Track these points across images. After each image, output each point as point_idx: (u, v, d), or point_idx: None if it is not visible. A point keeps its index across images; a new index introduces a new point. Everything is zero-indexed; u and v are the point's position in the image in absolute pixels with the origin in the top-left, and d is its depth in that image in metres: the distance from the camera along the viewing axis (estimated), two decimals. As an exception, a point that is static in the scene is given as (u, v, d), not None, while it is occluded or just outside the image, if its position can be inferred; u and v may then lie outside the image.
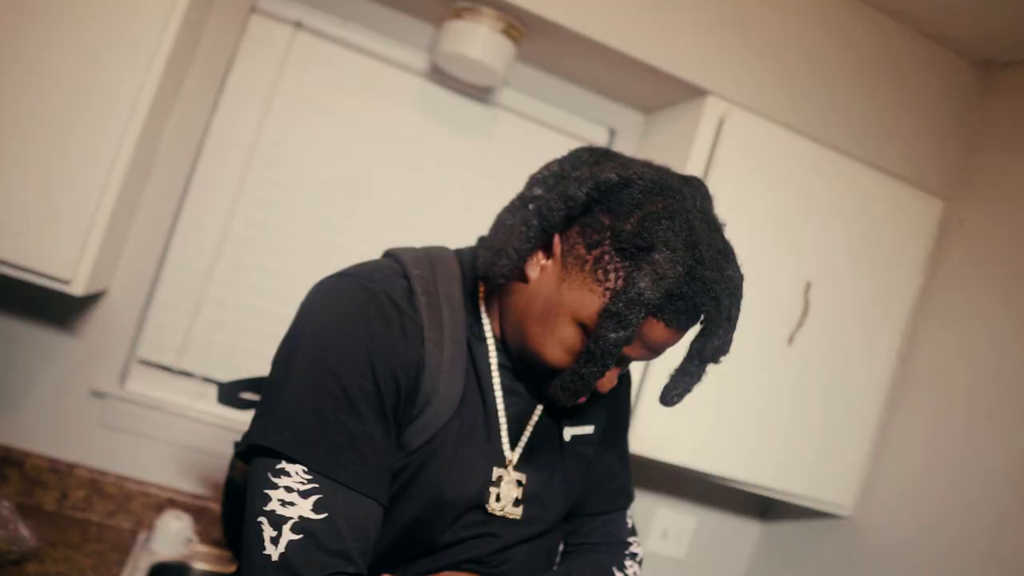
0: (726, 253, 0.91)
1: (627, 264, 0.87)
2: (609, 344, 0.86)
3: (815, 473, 1.93)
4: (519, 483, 1.03)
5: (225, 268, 1.88)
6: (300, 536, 0.78)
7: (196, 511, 1.83)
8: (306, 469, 0.81)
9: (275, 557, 0.77)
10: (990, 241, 1.91)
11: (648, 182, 0.89)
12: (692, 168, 1.82)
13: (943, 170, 2.04)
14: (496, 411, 1.01)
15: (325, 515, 0.79)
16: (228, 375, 1.83)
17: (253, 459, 0.85)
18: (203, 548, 1.79)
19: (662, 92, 1.94)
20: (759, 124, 1.85)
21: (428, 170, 2.01)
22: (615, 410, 1.19)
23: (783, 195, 1.87)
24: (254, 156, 1.88)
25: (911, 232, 1.99)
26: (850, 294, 1.93)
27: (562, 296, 0.91)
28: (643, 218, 0.86)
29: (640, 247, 0.86)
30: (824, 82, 1.92)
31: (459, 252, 1.07)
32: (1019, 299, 1.79)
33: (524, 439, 1.05)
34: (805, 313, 1.87)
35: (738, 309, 0.93)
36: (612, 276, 0.87)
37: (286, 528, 0.78)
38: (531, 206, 0.94)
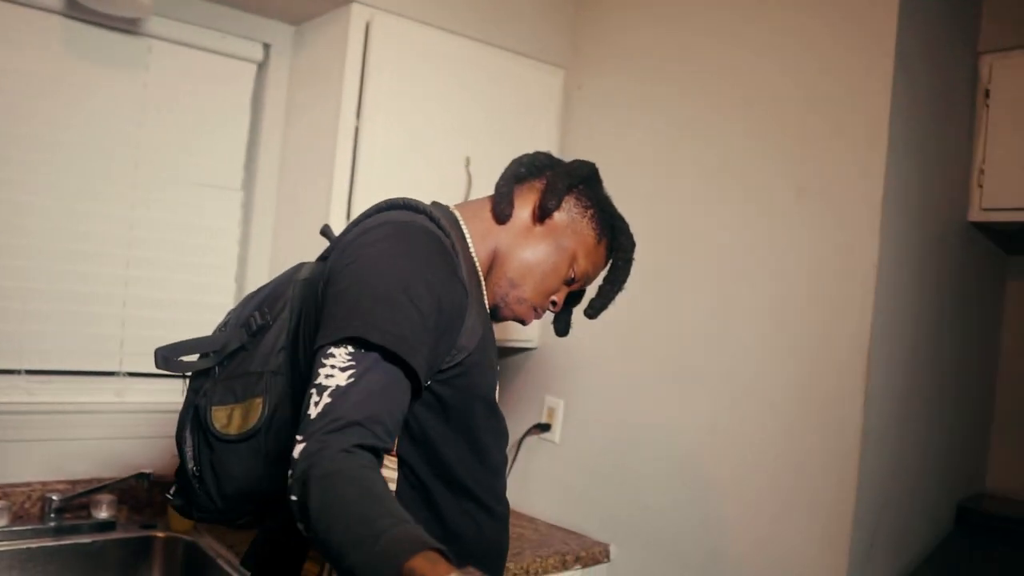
0: None
1: (610, 220, 1.35)
2: (627, 268, 1.36)
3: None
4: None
5: None
6: (331, 399, 0.92)
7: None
8: (353, 349, 0.97)
9: (313, 416, 0.91)
10: (604, 100, 2.33)
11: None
12: (349, 71, 2.01)
13: (560, 43, 2.41)
14: (493, 336, 1.27)
15: (353, 380, 0.94)
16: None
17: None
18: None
19: (308, 2, 2.08)
20: (402, 24, 2.07)
21: (91, 108, 2.01)
22: None
23: (433, 85, 2.13)
24: None
25: (542, 101, 2.37)
26: (502, 163, 2.26)
27: (567, 242, 1.29)
28: (605, 198, 1.37)
29: (613, 214, 1.36)
30: (450, -21, 2.17)
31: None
32: (632, 146, 2.23)
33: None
34: (470, 184, 2.18)
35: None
36: (603, 227, 1.33)
37: (325, 395, 0.92)
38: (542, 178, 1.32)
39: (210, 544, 1.95)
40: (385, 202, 1.18)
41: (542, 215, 1.26)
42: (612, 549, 2.18)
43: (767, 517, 1.88)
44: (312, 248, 2.06)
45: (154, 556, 1.99)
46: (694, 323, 2.05)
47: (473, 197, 2.18)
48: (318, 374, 0.94)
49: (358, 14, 2.01)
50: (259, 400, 1.10)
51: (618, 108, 2.29)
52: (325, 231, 1.29)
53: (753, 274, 1.93)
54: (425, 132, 2.12)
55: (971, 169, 2.10)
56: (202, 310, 2.24)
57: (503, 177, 1.29)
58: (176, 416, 1.25)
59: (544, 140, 2.38)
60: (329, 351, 0.95)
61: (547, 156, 1.35)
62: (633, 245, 1.36)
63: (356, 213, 2.02)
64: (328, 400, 0.91)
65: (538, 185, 1.30)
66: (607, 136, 2.31)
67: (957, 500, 2.23)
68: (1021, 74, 2.01)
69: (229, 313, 1.27)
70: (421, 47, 2.11)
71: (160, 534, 2.00)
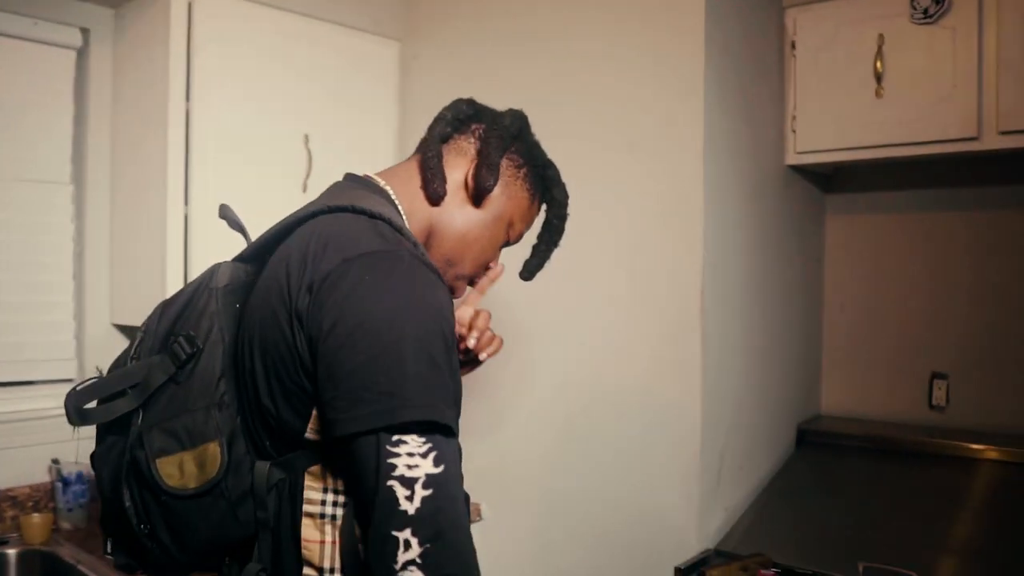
0: None
1: (542, 173, 1.24)
2: (562, 225, 1.27)
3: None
4: None
5: None
6: (430, 490, 0.83)
7: None
8: (419, 435, 0.85)
9: (412, 512, 0.82)
10: (441, 68, 2.36)
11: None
12: (174, 53, 1.95)
13: (393, 15, 2.41)
14: None
15: (443, 466, 0.85)
16: None
17: (356, 440, 0.86)
18: None
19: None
20: (226, 2, 2.02)
21: None
22: None
23: (265, 63, 2.10)
24: None
25: (379, 73, 2.37)
26: (343, 139, 2.27)
27: (502, 208, 1.18)
28: (535, 149, 1.24)
29: (545, 165, 1.24)
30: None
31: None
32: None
33: None
34: (310, 161, 2.17)
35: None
36: (536, 184, 1.22)
37: (417, 486, 0.83)
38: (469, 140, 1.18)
39: (70, 553, 1.89)
40: (327, 205, 1.01)
41: (478, 197, 1.14)
42: (483, 508, 2.24)
43: (626, 456, 1.99)
44: (153, 238, 2.02)
45: (8, 572, 1.91)
46: (546, 278, 2.12)
47: (315, 175, 2.17)
48: (391, 465, 0.84)
49: (178, -7, 1.96)
50: (213, 445, 0.96)
51: (455, 76, 2.32)
52: (227, 215, 1.16)
53: (596, 229, 2.01)
54: (260, 112, 2.09)
55: (784, 116, 2.25)
56: (40, 310, 2.14)
57: (429, 144, 1.14)
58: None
59: (383, 112, 2.39)
60: (395, 438, 0.84)
61: (470, 105, 1.20)
62: (566, 197, 1.26)
63: (194, 200, 1.98)
64: (426, 492, 0.84)
65: (465, 145, 1.16)
66: (444, 103, 2.33)
67: (797, 423, 2.42)
68: (822, 25, 2.17)
69: (140, 332, 1.08)
70: (249, 25, 2.07)
71: (13, 549, 1.92)
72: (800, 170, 2.35)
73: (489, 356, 1.30)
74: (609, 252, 2.02)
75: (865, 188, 2.50)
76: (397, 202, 1.11)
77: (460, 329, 1.27)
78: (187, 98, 1.97)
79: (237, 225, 1.16)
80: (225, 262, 1.08)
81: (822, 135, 2.19)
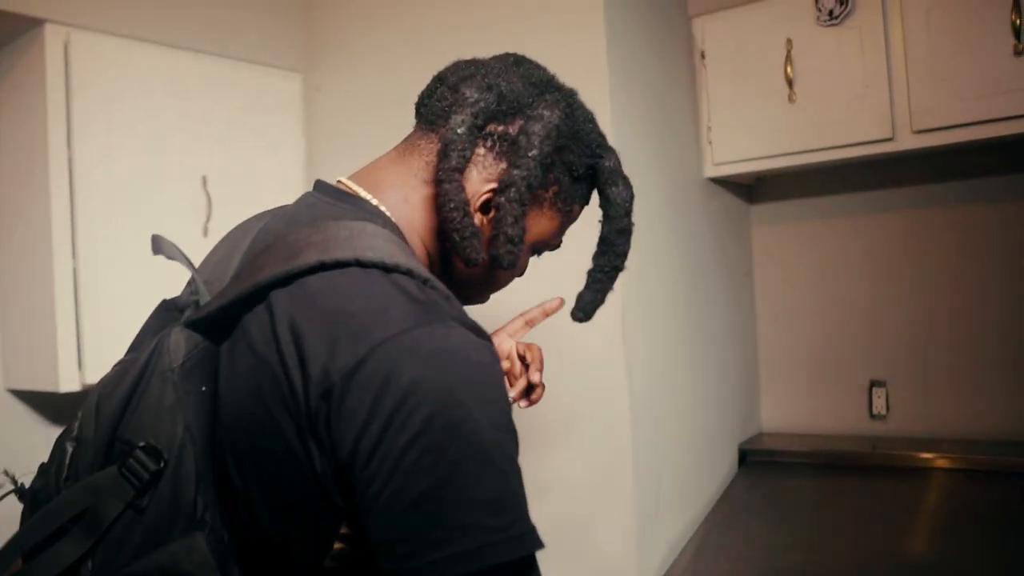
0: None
1: (591, 171, 0.96)
2: (624, 243, 0.99)
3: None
4: None
5: None
6: None
7: None
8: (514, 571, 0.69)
9: None
10: (345, 99, 2.27)
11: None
12: (53, 97, 1.83)
13: (293, 47, 2.32)
14: None
15: None
16: None
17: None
18: None
19: (-4, 27, 1.89)
20: (107, 42, 1.91)
21: None
22: None
23: (155, 104, 1.99)
24: None
25: (282, 107, 2.28)
26: (246, 177, 2.16)
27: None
28: (583, 133, 0.93)
29: (596, 154, 0.95)
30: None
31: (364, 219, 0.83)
32: (377, 140, 2.17)
33: None
34: (210, 204, 2.06)
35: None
36: (576, 193, 0.95)
37: None
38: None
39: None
40: (321, 259, 0.73)
41: (492, 262, 0.87)
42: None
43: (553, 496, 1.89)
44: (41, 295, 1.89)
45: None
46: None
47: (216, 218, 2.06)
48: None
49: (53, 35, 1.84)
50: None
51: (360, 105, 2.24)
52: (161, 247, 0.86)
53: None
54: (152, 155, 1.97)
55: (700, 128, 2.19)
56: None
57: (446, 172, 0.82)
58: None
59: (289, 146, 2.29)
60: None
61: (493, 88, 0.85)
62: (629, 198, 0.95)
63: (82, 253, 1.86)
64: None
65: (488, 161, 0.86)
66: (352, 134, 2.25)
67: (739, 443, 2.34)
68: (730, 33, 2.13)
69: (69, 442, 0.80)
70: (135, 64, 1.96)
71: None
72: (721, 182, 2.29)
73: (530, 404, 1.08)
74: (516, 282, 1.93)
75: (789, 196, 2.45)
76: (394, 219, 0.86)
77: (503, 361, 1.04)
78: (68, 145, 1.85)
79: (180, 257, 0.86)
80: (175, 329, 0.78)
81: (739, 145, 2.14)
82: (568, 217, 0.96)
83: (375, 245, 0.75)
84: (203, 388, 0.76)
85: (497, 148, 0.86)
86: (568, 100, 0.89)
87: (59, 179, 1.84)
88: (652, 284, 1.92)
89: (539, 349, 1.11)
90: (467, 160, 0.83)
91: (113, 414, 0.76)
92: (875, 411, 2.31)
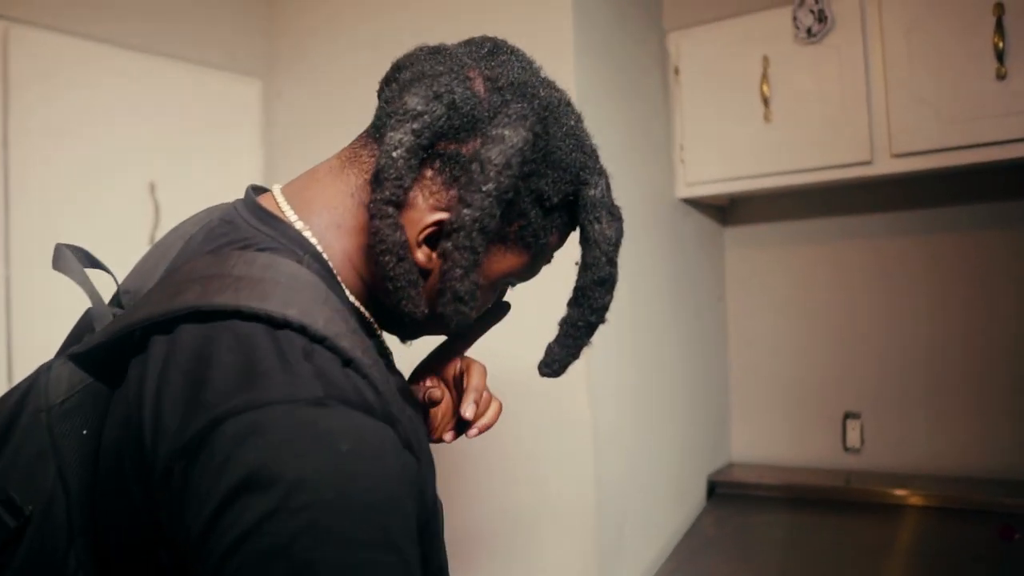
0: None
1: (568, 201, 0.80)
2: (604, 297, 0.83)
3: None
4: None
5: None
6: None
7: None
8: None
9: None
10: (306, 106, 2.18)
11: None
12: (-11, 96, 1.73)
13: (252, 51, 2.23)
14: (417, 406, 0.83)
15: None
16: None
17: None
18: None
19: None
20: (50, 38, 1.81)
21: None
22: None
23: (101, 106, 1.88)
24: None
25: (240, 113, 2.18)
26: (199, 185, 2.05)
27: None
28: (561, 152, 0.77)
29: (578, 180, 0.79)
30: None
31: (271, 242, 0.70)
32: (340, 146, 2.08)
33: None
34: (157, 212, 1.95)
35: None
36: (547, 229, 0.78)
37: None
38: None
39: None
40: (197, 305, 0.61)
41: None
42: None
43: (512, 528, 1.79)
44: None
45: None
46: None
47: (164, 226, 1.95)
48: None
49: (-9, 29, 1.74)
50: None
51: (322, 113, 2.14)
52: (64, 263, 0.75)
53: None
54: (96, 159, 1.87)
55: (672, 146, 2.12)
56: None
57: (379, 204, 0.66)
58: None
59: (246, 155, 2.19)
60: None
61: (448, 103, 0.69)
62: (614, 238, 0.77)
63: (15, 260, 1.75)
64: None
65: (435, 187, 0.70)
66: (314, 142, 2.13)
67: (707, 474, 2.25)
68: (705, 49, 2.06)
69: None
70: (79, 64, 1.85)
71: None
72: (693, 203, 2.21)
73: (483, 430, 0.88)
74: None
75: (764, 219, 2.38)
76: (321, 248, 0.72)
77: (434, 391, 0.89)
78: (4, 144, 1.75)
79: (79, 278, 0.74)
80: (58, 361, 0.68)
81: (712, 165, 2.07)
82: (542, 251, 0.78)
83: (270, 292, 0.62)
84: (84, 431, 0.65)
85: (448, 171, 0.69)
86: (543, 111, 0.71)
87: (-8, 183, 1.73)
88: (617, 308, 1.83)
89: (482, 369, 0.89)
90: (405, 190, 0.66)
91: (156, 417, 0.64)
92: (849, 444, 2.23)
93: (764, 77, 1.96)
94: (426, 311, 0.69)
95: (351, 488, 0.53)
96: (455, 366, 0.91)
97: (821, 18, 1.88)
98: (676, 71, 2.10)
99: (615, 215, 0.77)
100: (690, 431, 2.18)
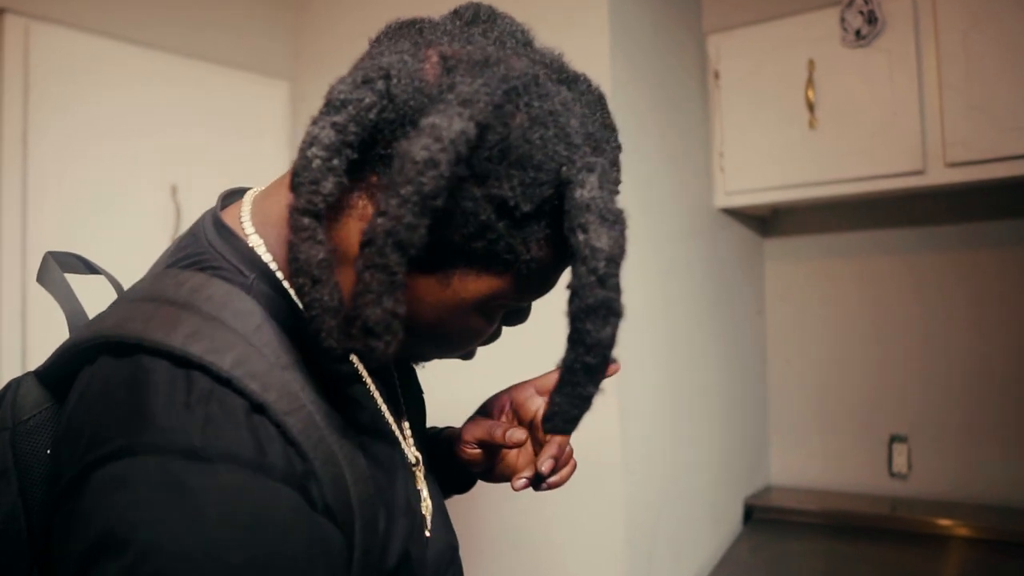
0: None
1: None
2: (604, 339, 0.63)
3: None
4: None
5: None
6: None
7: None
8: None
9: None
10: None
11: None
12: (10, 91, 1.70)
13: (280, 53, 2.18)
14: (381, 414, 0.70)
15: None
16: None
17: None
18: None
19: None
20: (75, 37, 1.78)
21: None
22: None
23: (124, 106, 1.84)
24: None
25: (265, 116, 2.13)
26: (220, 187, 2.00)
27: (448, 298, 0.66)
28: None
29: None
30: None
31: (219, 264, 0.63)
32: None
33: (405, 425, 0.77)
34: (179, 215, 1.91)
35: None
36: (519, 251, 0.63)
37: None
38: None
39: None
40: (118, 334, 0.56)
41: None
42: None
43: (535, 554, 1.70)
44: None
45: None
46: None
47: (184, 228, 1.90)
48: None
49: (13, 25, 1.71)
50: None
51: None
52: (49, 276, 0.72)
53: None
54: (117, 160, 1.83)
55: (711, 154, 2.03)
56: None
57: (298, 215, 0.55)
58: None
59: (271, 158, 2.14)
60: None
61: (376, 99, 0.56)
62: (601, 263, 0.55)
63: (31, 264, 1.71)
64: None
65: (360, 202, 0.59)
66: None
67: (744, 497, 2.14)
68: (747, 52, 1.97)
69: None
70: (102, 63, 1.82)
71: None
72: (733, 213, 2.12)
73: (552, 487, 0.79)
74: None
75: (807, 231, 2.28)
76: (276, 266, 0.63)
77: (516, 433, 0.79)
78: (23, 142, 1.71)
79: (59, 292, 0.71)
80: (27, 376, 0.65)
81: (754, 173, 1.97)
82: (531, 269, 0.61)
83: (181, 323, 0.55)
84: (48, 451, 0.61)
85: (386, 176, 0.56)
86: (506, 94, 0.55)
87: (11, 182, 1.69)
88: (651, 322, 1.74)
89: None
90: (325, 197, 0.54)
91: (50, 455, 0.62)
92: (895, 469, 2.11)
93: (809, 81, 1.86)
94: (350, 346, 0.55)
95: (212, 558, 0.46)
96: (533, 401, 0.84)
97: (871, 19, 1.78)
98: (716, 75, 2.01)
99: (610, 220, 0.55)
100: (726, 452, 2.08)
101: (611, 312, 0.56)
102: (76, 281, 0.74)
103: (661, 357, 1.77)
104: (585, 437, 1.59)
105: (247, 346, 0.56)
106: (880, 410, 2.15)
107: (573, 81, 0.64)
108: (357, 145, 0.55)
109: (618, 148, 0.66)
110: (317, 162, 0.54)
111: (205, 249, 0.63)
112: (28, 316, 1.71)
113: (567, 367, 0.59)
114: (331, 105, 0.56)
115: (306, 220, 0.53)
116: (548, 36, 1.71)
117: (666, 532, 1.75)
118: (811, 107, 1.86)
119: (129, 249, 1.83)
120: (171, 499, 0.48)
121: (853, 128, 1.83)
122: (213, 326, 0.56)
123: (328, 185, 0.54)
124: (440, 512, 0.79)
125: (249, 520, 0.49)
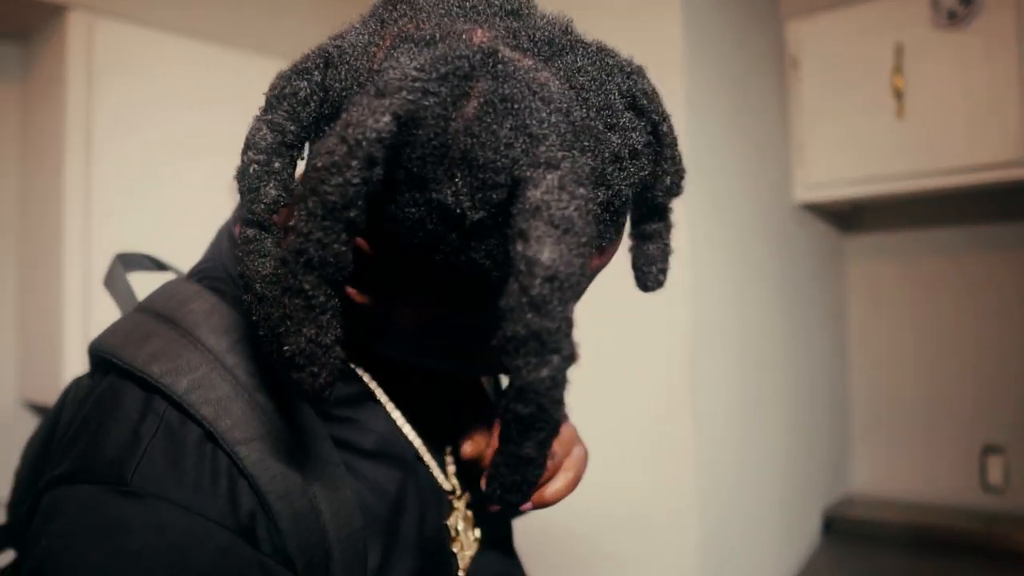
0: None
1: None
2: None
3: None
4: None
5: None
6: None
7: None
8: None
9: None
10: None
11: None
12: (74, 88, 1.70)
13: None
14: (398, 437, 0.63)
15: None
16: None
17: None
18: None
19: (20, 13, 1.77)
20: (134, 32, 1.77)
21: None
22: None
23: (183, 98, 1.84)
24: None
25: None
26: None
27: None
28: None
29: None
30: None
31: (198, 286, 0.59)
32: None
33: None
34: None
35: None
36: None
37: None
38: None
39: None
40: (111, 349, 0.54)
41: None
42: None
43: (600, 568, 1.63)
44: (51, 300, 1.75)
45: None
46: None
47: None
48: None
49: (77, 22, 1.71)
50: None
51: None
52: (116, 283, 0.71)
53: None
54: (177, 154, 1.82)
55: (790, 146, 1.92)
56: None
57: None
58: None
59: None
60: None
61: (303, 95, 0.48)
62: (546, 271, 0.40)
63: (97, 256, 1.71)
64: None
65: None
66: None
67: (823, 508, 2.03)
68: (827, 38, 1.86)
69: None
70: (163, 58, 1.81)
71: None
72: (812, 208, 2.01)
73: (538, 505, 0.65)
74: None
75: (893, 227, 2.15)
76: None
77: None
78: (87, 133, 1.71)
79: (122, 294, 0.70)
80: (86, 374, 0.63)
81: (836, 166, 1.86)
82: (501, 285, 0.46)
83: (148, 338, 0.53)
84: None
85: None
86: (455, 77, 0.44)
87: (74, 172, 1.70)
88: (725, 323, 1.65)
89: (573, 432, 0.70)
90: (269, 207, 0.47)
91: (31, 463, 0.66)
92: (990, 482, 1.97)
93: (897, 68, 1.75)
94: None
95: None
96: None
97: (966, 0, 1.66)
98: (795, 63, 1.90)
99: (561, 228, 0.41)
100: (804, 458, 1.97)
101: (545, 348, 0.40)
102: (146, 280, 0.71)
103: (734, 359, 1.68)
104: (655, 447, 1.51)
105: (212, 367, 0.52)
106: (972, 418, 2.01)
107: (566, 52, 0.50)
108: (301, 144, 0.49)
109: (638, 139, 0.51)
110: (255, 167, 0.47)
111: (214, 259, 0.62)
112: (91, 309, 1.72)
113: (501, 417, 0.44)
114: (268, 101, 0.49)
115: (250, 231, 0.47)
116: (617, 27, 1.62)
117: (738, 545, 1.66)
118: (898, 95, 1.75)
119: (190, 242, 1.83)
120: (95, 531, 0.46)
121: (945, 117, 1.71)
122: (182, 344, 0.52)
123: (271, 192, 0.47)
124: (497, 547, 0.71)
125: (172, 559, 0.46)
